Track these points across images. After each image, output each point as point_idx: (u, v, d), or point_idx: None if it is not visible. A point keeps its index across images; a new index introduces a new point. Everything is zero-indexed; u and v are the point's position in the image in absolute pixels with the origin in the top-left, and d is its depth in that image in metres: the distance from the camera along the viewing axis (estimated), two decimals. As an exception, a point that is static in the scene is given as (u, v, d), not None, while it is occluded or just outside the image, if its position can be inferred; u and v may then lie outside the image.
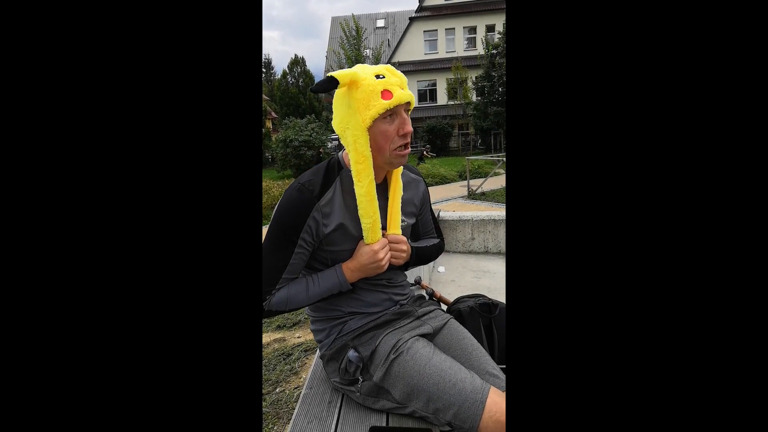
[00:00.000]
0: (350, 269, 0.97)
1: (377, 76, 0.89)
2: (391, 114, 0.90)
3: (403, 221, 1.04)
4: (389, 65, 0.94)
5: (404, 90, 0.91)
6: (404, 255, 1.02)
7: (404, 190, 1.04)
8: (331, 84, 0.88)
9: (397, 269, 1.10)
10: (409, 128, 0.92)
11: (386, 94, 0.88)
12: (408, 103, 0.92)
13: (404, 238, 1.02)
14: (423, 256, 1.12)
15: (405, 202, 1.05)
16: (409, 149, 0.94)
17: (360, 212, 0.94)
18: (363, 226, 0.94)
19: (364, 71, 0.90)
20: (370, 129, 0.90)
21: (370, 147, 0.91)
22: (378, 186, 0.99)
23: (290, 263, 0.95)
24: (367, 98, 0.88)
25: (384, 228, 1.00)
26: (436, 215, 1.24)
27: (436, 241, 1.20)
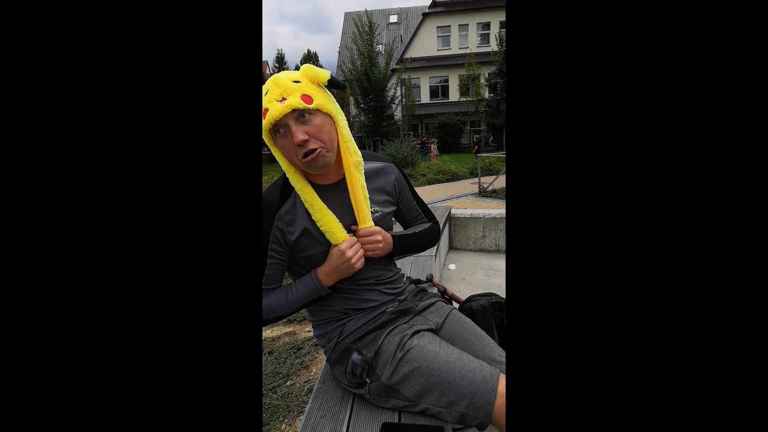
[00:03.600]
0: (324, 273, 0.96)
1: (265, 93, 0.86)
2: (280, 127, 0.86)
3: (375, 212, 1.01)
4: (282, 73, 0.88)
5: (287, 99, 0.83)
6: (380, 245, 0.98)
7: (371, 180, 1.01)
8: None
9: (383, 265, 1.07)
10: (299, 137, 0.84)
11: (264, 112, 0.85)
12: (297, 111, 0.84)
13: (378, 229, 0.98)
14: (410, 244, 1.08)
15: (374, 192, 1.02)
16: (313, 155, 0.87)
17: (313, 217, 0.94)
18: (321, 229, 0.94)
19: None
20: (276, 145, 0.91)
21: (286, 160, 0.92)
22: (337, 184, 0.98)
23: (266, 273, 0.96)
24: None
25: (355, 224, 0.98)
26: (445, 211, 1.22)
27: (426, 225, 1.15)
